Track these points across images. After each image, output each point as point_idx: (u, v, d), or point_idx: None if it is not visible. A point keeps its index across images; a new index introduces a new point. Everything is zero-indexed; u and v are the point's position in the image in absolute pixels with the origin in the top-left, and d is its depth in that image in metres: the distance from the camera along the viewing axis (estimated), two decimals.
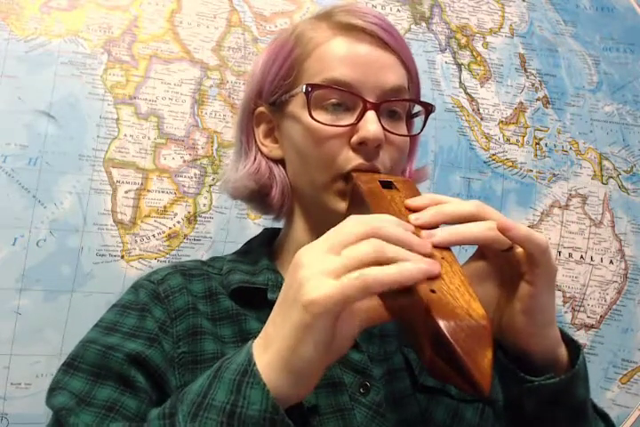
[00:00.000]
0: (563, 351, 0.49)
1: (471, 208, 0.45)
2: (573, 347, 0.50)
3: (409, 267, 0.37)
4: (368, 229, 0.40)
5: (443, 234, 0.43)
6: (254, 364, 0.39)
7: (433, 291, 0.38)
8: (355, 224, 0.41)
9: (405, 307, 0.40)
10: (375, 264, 0.38)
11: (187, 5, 1.06)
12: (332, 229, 0.42)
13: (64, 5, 0.99)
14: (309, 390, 0.41)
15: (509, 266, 0.46)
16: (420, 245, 0.41)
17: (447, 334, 0.36)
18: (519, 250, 0.45)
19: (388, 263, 0.38)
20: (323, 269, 0.38)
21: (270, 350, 0.40)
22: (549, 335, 0.47)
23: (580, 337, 1.16)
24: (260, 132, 0.66)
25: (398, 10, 1.19)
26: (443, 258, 0.41)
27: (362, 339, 0.58)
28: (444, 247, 0.43)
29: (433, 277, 0.39)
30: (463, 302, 0.38)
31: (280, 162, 0.65)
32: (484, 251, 0.48)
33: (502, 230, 0.43)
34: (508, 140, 1.20)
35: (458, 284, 0.39)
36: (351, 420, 0.53)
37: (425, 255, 0.40)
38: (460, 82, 1.20)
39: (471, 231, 0.43)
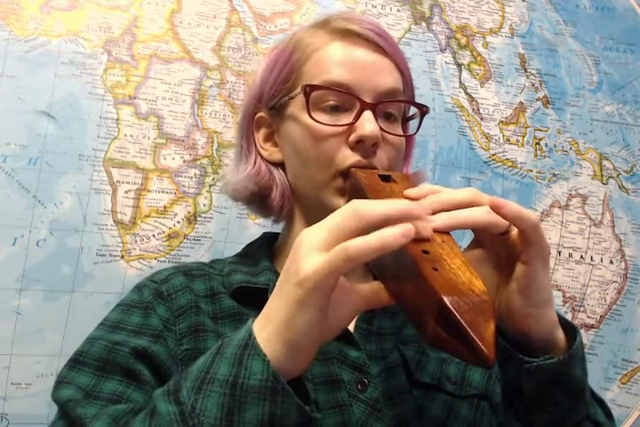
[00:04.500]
0: (560, 333, 0.50)
1: (467, 195, 0.46)
2: (571, 329, 0.51)
3: (389, 232, 0.38)
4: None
5: (442, 219, 0.45)
6: (254, 338, 0.41)
7: (435, 269, 0.40)
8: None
9: (408, 287, 0.42)
10: (358, 232, 0.39)
11: (187, 5, 1.06)
12: (334, 211, 0.43)
13: (64, 5, 0.99)
14: (306, 364, 0.42)
15: (506, 250, 0.48)
16: (420, 227, 0.42)
17: (451, 308, 0.37)
18: (514, 232, 0.47)
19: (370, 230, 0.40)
20: (314, 244, 0.40)
21: (269, 326, 0.41)
22: (546, 316, 0.48)
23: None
24: (259, 136, 0.68)
25: (398, 10, 1.19)
26: (443, 241, 0.43)
27: (360, 337, 0.60)
28: (444, 232, 0.45)
29: (431, 259, 0.41)
30: (465, 278, 0.40)
31: (280, 165, 0.66)
32: (481, 237, 0.50)
33: (494, 208, 0.45)
34: (508, 140, 1.20)
35: (459, 264, 0.41)
36: (350, 415, 0.55)
37: (426, 238, 0.42)
38: (460, 82, 1.20)
39: (469, 215, 0.45)
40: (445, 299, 0.38)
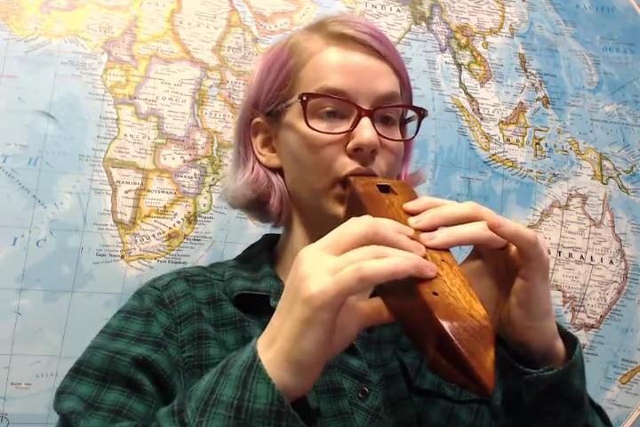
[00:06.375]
0: (560, 344, 0.50)
1: (466, 210, 0.46)
2: (570, 340, 0.51)
3: (402, 260, 0.39)
4: (368, 229, 0.41)
5: (441, 236, 0.45)
6: (259, 359, 0.41)
7: (435, 293, 0.39)
8: (355, 225, 0.42)
9: (408, 308, 0.41)
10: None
11: (187, 5, 1.06)
12: (334, 230, 0.43)
13: (64, 5, 0.99)
14: (311, 383, 0.42)
15: (505, 263, 0.48)
16: (415, 248, 0.42)
17: (451, 335, 0.37)
18: (513, 247, 0.47)
19: None
20: (323, 267, 0.40)
21: (274, 346, 0.41)
22: (546, 328, 0.49)
23: (580, 337, 1.16)
24: (257, 141, 0.67)
25: (398, 10, 1.19)
26: (443, 260, 0.43)
27: (360, 345, 0.59)
28: (444, 249, 0.44)
29: (430, 279, 0.40)
30: (465, 303, 0.39)
31: (278, 171, 0.66)
32: (481, 250, 0.50)
33: (492, 228, 0.45)
34: (508, 140, 1.20)
35: (459, 285, 0.41)
36: (351, 423, 0.55)
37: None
38: (460, 82, 1.20)
39: (468, 232, 0.45)
40: (445, 326, 0.37)
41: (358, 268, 0.38)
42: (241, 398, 0.40)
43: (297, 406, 0.40)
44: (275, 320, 0.43)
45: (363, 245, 0.41)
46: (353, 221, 0.43)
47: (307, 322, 0.39)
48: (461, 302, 0.39)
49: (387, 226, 0.42)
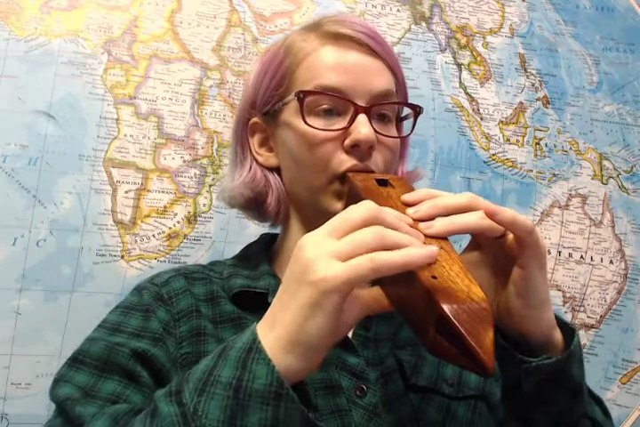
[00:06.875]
0: (558, 334, 0.51)
1: (463, 200, 0.47)
2: (568, 330, 0.52)
3: (413, 252, 0.39)
4: (369, 213, 0.42)
5: (440, 225, 0.45)
6: (259, 341, 0.41)
7: (434, 277, 0.40)
8: (356, 210, 0.43)
9: (407, 294, 0.42)
10: (376, 249, 0.40)
11: (187, 5, 1.06)
12: (335, 216, 0.43)
13: (64, 5, 0.99)
14: (314, 368, 0.42)
15: (502, 252, 0.48)
16: (415, 235, 0.43)
17: (451, 317, 0.38)
18: (510, 236, 0.47)
19: (388, 249, 0.40)
20: (328, 250, 0.40)
21: (277, 329, 0.41)
22: (544, 318, 0.49)
23: (580, 337, 1.16)
24: (254, 141, 0.68)
25: (398, 10, 1.19)
26: (441, 248, 0.43)
27: (358, 343, 0.60)
28: (442, 237, 0.45)
29: (432, 263, 0.41)
30: (463, 286, 0.40)
31: (275, 170, 0.67)
32: (479, 240, 0.50)
33: (489, 215, 0.45)
34: (508, 140, 1.20)
35: (457, 270, 0.42)
36: (349, 420, 0.55)
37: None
38: (460, 82, 1.20)
39: (466, 221, 0.46)
40: (445, 308, 0.38)
41: (372, 258, 0.38)
42: (240, 378, 0.40)
43: (296, 391, 0.40)
44: (275, 305, 0.43)
45: None
46: (354, 206, 0.43)
47: (313, 305, 0.39)
48: (460, 285, 0.40)
49: (387, 211, 0.43)
